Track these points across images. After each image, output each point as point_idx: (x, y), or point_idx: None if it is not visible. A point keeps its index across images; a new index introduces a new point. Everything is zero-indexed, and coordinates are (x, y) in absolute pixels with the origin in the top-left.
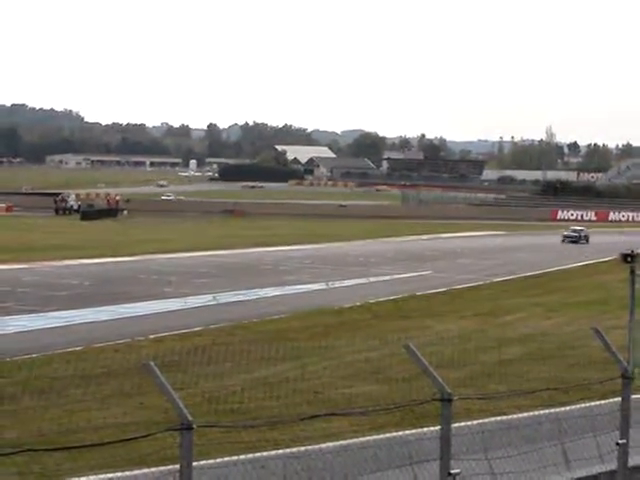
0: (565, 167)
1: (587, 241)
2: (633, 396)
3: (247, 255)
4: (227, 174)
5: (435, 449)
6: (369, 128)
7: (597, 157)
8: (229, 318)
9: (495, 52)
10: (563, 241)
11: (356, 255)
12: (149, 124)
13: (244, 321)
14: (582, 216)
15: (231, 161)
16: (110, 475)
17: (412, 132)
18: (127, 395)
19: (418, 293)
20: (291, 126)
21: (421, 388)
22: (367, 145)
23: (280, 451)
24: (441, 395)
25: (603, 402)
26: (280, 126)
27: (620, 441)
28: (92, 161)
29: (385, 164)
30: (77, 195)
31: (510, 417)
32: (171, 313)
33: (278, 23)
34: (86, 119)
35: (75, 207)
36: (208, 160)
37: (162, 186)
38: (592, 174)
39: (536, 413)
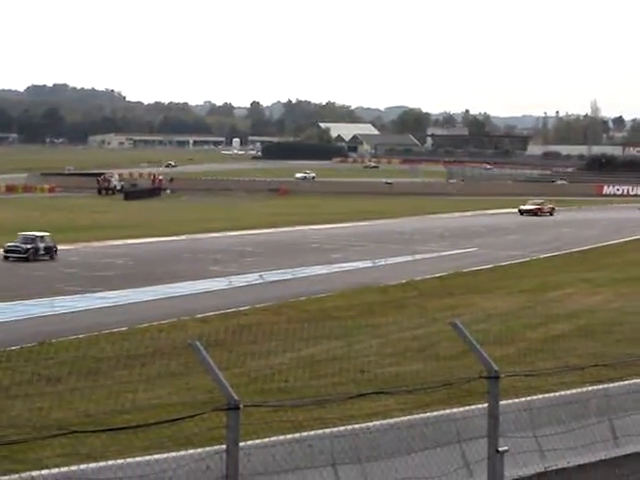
0: (610, 142)
1: (52, 256)
2: None
3: (293, 233)
4: (270, 152)
5: (483, 427)
6: (413, 104)
7: None
8: (275, 297)
9: (539, 26)
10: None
11: (402, 232)
12: (192, 103)
13: (290, 300)
14: (628, 191)
15: (274, 139)
16: (156, 456)
17: (456, 108)
18: (173, 375)
19: (464, 270)
20: (334, 103)
21: (468, 366)
22: (411, 122)
23: (327, 430)
24: (488, 372)
25: None
26: (323, 103)
27: None
28: (135, 141)
29: (429, 140)
30: (120, 175)
31: (557, 394)
32: (217, 292)
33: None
34: (128, 98)
35: (118, 187)
36: (251, 138)
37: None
38: (638, 148)
39: (584, 390)
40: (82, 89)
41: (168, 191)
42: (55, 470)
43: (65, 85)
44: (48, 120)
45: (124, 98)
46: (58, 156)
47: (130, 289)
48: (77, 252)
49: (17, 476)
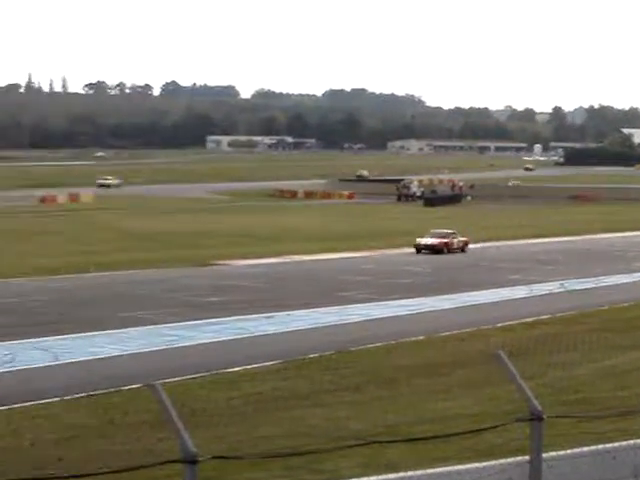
0: None
1: None
2: None
3: (594, 241)
4: (572, 158)
5: None
6: None
7: None
8: (576, 306)
9: None
10: None
11: None
12: (492, 108)
13: (592, 309)
14: None
15: (576, 145)
16: (457, 467)
17: None
18: (474, 385)
19: None
20: (637, 109)
21: None
22: None
23: (631, 442)
24: None
25: None
26: (626, 109)
27: None
28: (434, 146)
29: None
30: (419, 181)
31: None
32: (517, 301)
33: None
34: (427, 103)
35: (418, 193)
36: (553, 144)
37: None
38: None
39: None
40: (381, 94)
41: (468, 197)
42: None
43: (364, 90)
44: (346, 125)
45: (424, 103)
46: (356, 162)
47: (428, 297)
48: (373, 259)
49: None
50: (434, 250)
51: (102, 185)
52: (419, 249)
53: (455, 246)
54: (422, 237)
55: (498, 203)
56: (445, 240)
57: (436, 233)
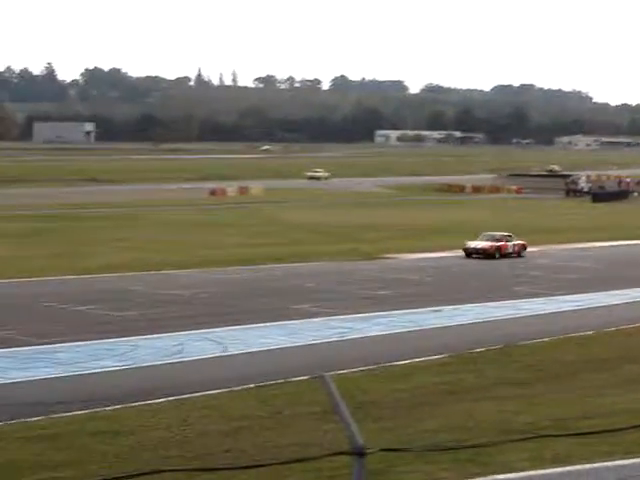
0: None
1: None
2: None
3: None
4: None
5: None
6: None
7: None
8: None
9: None
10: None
11: None
12: None
13: None
14: None
15: None
16: (622, 462)
17: None
18: None
19: None
20: None
21: None
22: None
23: None
24: None
25: None
26: None
27: None
28: (602, 142)
29: None
30: (587, 177)
31: None
32: None
33: None
34: (595, 99)
35: (586, 189)
36: None
37: None
38: None
39: None
40: (549, 90)
41: (635, 194)
42: (522, 474)
43: (532, 85)
44: (514, 120)
45: (591, 99)
46: (523, 157)
47: (596, 292)
48: (541, 253)
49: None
50: (485, 254)
51: (312, 177)
52: (469, 253)
53: (510, 250)
54: (473, 240)
55: None
56: (498, 244)
57: (488, 236)
